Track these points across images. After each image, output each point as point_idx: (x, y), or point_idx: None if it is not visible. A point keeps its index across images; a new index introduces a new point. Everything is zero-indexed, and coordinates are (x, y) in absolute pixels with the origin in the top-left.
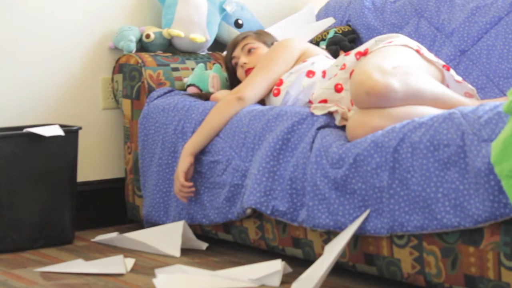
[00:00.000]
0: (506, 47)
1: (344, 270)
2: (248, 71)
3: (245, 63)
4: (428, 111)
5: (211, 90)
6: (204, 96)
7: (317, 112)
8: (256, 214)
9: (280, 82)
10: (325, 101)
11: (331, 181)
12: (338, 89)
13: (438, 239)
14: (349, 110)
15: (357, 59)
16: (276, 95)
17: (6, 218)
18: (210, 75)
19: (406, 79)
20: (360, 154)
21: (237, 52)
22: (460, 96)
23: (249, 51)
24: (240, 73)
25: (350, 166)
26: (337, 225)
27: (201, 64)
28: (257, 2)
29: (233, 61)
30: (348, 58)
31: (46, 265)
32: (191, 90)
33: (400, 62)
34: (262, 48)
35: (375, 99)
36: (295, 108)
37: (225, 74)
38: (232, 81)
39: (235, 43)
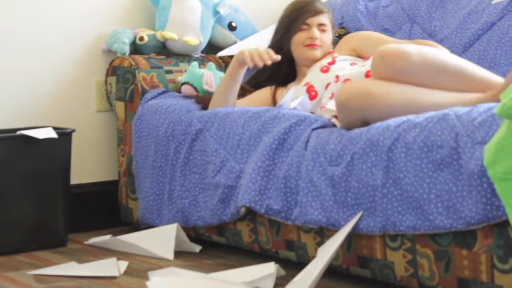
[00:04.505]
0: (498, 52)
1: (338, 272)
2: (311, 46)
3: (317, 38)
4: (429, 97)
5: (205, 87)
6: (203, 100)
7: (326, 114)
8: (250, 217)
9: (333, 61)
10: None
11: (329, 178)
12: (368, 75)
13: (431, 242)
14: None
15: None
16: (325, 71)
17: None
18: (204, 73)
19: (424, 50)
20: (356, 153)
21: (321, 19)
22: (488, 73)
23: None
24: (304, 36)
25: (348, 164)
26: (330, 221)
27: (195, 63)
28: (251, 5)
29: (309, 20)
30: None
31: (40, 268)
32: (185, 88)
33: None
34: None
35: (389, 61)
36: (292, 111)
37: (219, 73)
38: (282, 37)
39: (322, 11)
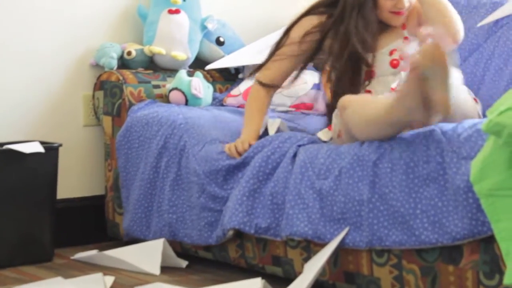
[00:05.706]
0: (485, 73)
1: None
2: (397, 14)
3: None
4: None
5: (193, 92)
6: None
7: (322, 137)
8: (236, 233)
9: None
10: None
11: (316, 191)
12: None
13: (417, 258)
14: None
15: None
16: (394, 66)
17: None
18: (193, 79)
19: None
20: (344, 167)
21: None
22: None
23: None
24: (391, 4)
25: (336, 178)
26: (316, 234)
27: (183, 70)
28: (239, 20)
29: None
30: None
31: (25, 283)
32: (174, 94)
33: None
34: None
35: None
36: (279, 134)
37: (206, 81)
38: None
39: None
